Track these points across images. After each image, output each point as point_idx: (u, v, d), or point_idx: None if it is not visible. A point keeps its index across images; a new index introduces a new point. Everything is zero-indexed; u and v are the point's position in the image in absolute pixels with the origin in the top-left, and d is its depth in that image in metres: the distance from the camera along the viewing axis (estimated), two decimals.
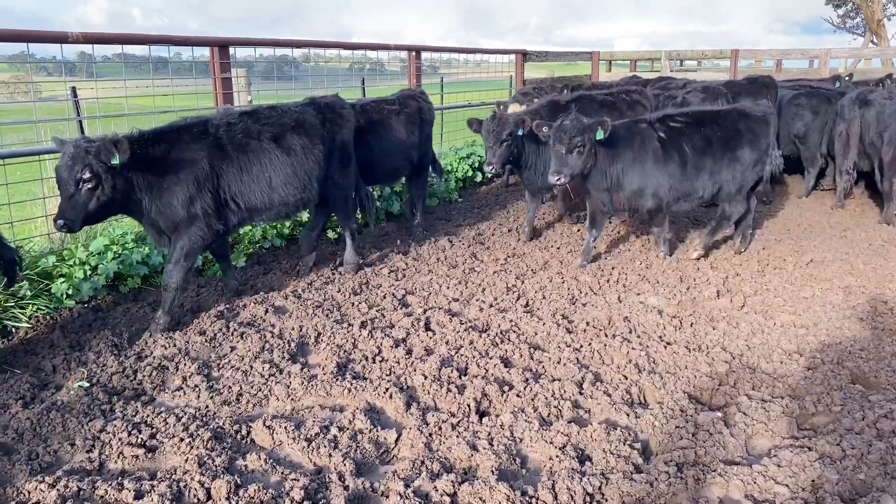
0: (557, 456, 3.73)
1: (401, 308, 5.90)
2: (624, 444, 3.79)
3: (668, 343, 5.21)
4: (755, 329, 5.46)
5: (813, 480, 3.48)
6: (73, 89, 7.00)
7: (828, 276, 6.63)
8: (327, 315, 5.70)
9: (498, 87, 14.09)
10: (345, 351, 5.05)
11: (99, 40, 6.36)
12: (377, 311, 5.82)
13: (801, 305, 5.92)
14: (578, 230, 8.44)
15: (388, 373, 4.70)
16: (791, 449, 3.77)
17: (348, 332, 5.36)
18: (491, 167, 7.32)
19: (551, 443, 3.84)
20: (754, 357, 4.97)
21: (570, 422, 4.05)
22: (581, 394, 4.40)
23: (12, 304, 5.46)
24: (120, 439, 3.89)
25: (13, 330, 5.33)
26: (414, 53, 11.10)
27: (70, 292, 5.73)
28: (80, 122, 7.02)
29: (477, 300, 6.07)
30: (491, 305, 5.96)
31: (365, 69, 13.95)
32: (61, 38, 6.01)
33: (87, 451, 3.82)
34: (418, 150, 8.08)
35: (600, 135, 6.19)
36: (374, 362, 4.88)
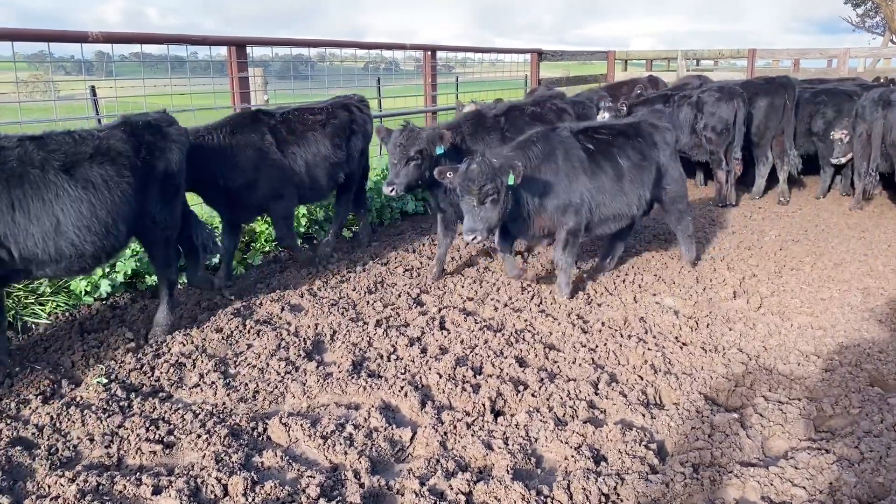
0: (573, 456, 3.72)
1: (415, 307, 5.92)
2: (639, 445, 3.79)
3: (684, 344, 5.19)
4: (772, 330, 5.43)
5: (830, 483, 3.46)
6: (93, 88, 7.08)
7: (846, 278, 6.58)
8: (343, 313, 5.73)
9: (513, 87, 14.08)
10: (360, 349, 5.07)
11: (118, 40, 6.43)
12: (392, 309, 5.84)
13: (819, 307, 5.88)
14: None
15: (403, 371, 4.72)
16: (808, 451, 3.75)
17: (363, 330, 5.38)
18: (392, 188, 5.99)
19: (566, 443, 3.83)
20: (771, 358, 4.94)
21: (585, 422, 4.04)
22: (596, 394, 4.40)
23: (32, 300, 5.53)
24: (138, 435, 3.92)
25: (33, 326, 5.39)
26: (429, 53, 11.13)
27: (89, 290, 5.79)
28: (99, 120, 7.09)
29: (492, 299, 6.07)
30: (506, 305, 5.96)
31: (380, 69, 13.99)
32: (81, 38, 6.07)
33: (106, 447, 3.85)
34: (347, 166, 7.06)
35: (512, 180, 5.18)
36: (389, 361, 4.90)
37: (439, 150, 5.93)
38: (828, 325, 5.52)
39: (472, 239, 5.15)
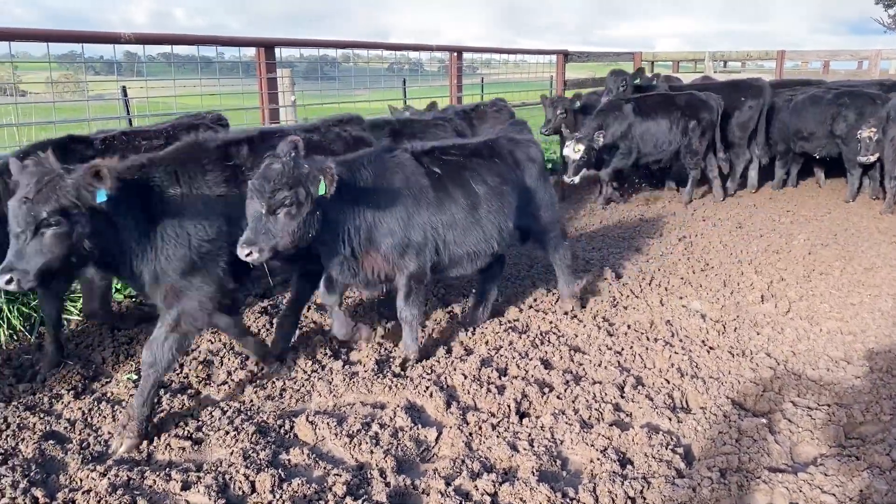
0: (598, 459, 3.71)
1: (440, 307, 5.93)
2: (666, 449, 3.76)
3: (711, 348, 5.15)
4: (800, 335, 5.36)
5: (861, 490, 3.41)
6: (124, 88, 7.19)
7: (876, 283, 6.48)
8: (367, 314, 5.75)
9: (538, 88, 14.06)
10: (385, 349, 5.10)
11: (150, 41, 6.51)
12: None
13: (849, 312, 5.80)
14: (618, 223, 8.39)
15: (428, 371, 4.73)
16: (838, 457, 3.70)
17: (386, 330, 5.40)
18: (8, 278, 3.42)
19: (592, 445, 3.82)
20: (800, 363, 4.88)
21: (611, 425, 4.03)
22: (622, 397, 4.38)
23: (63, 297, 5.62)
24: (167, 431, 3.98)
25: (65, 323, 5.48)
26: (455, 54, 11.14)
27: (119, 287, 5.87)
28: (130, 120, 7.20)
29: (516, 301, 6.06)
30: (530, 306, 5.95)
31: (404, 69, 14.04)
32: (114, 39, 6.16)
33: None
34: None
35: (323, 189, 4.03)
36: (414, 361, 4.91)
37: (102, 196, 3.56)
38: (858, 330, 5.44)
39: (247, 255, 3.86)
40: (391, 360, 4.93)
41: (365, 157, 4.65)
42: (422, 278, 4.79)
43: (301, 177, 3.96)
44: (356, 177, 4.42)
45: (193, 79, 7.45)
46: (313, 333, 5.32)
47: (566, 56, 14.31)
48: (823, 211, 9.48)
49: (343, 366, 4.80)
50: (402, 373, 4.72)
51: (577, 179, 8.94)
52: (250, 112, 7.84)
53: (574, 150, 8.78)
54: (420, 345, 5.00)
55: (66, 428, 4.04)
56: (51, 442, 3.85)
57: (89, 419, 4.14)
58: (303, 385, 4.58)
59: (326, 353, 5.02)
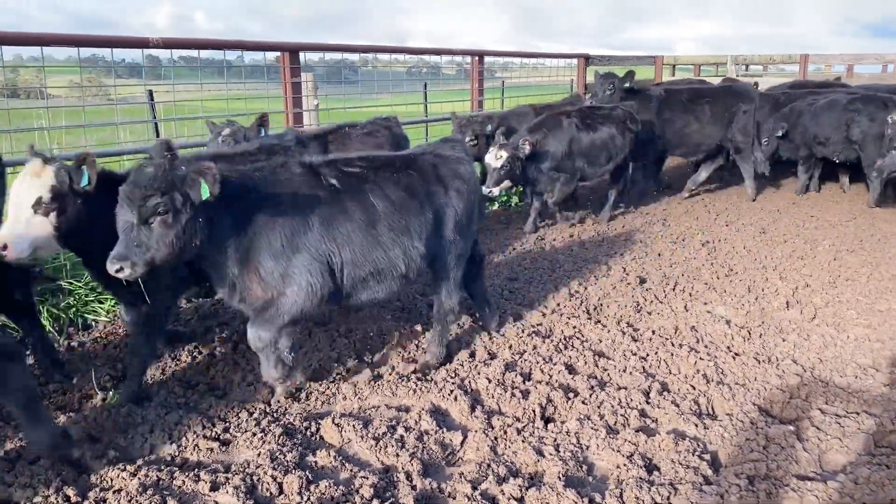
0: (625, 464, 3.70)
1: (463, 311, 5.93)
2: (693, 455, 3.75)
3: (736, 354, 5.11)
4: (827, 342, 5.32)
5: (892, 500, 3.37)
6: (150, 92, 7.27)
7: None
8: (392, 317, 5.78)
9: (559, 92, 14.05)
10: (409, 352, 5.11)
11: (177, 45, 6.60)
12: None
13: (877, 318, 5.74)
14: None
15: (452, 375, 4.74)
16: (868, 466, 3.66)
17: (412, 333, 5.42)
18: None
19: (618, 451, 3.81)
20: (827, 370, 4.84)
21: (637, 431, 4.01)
22: (648, 403, 4.36)
23: (92, 298, 5.70)
24: (195, 432, 4.01)
25: (93, 323, 5.56)
26: (477, 58, 11.17)
27: None
28: (156, 124, 7.29)
29: (539, 305, 6.06)
30: (553, 311, 5.94)
31: (422, 73, 14.08)
32: (143, 44, 6.25)
33: (164, 443, 3.95)
34: None
35: (206, 191, 3.60)
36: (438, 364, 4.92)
37: None
38: (886, 337, 5.38)
39: (118, 271, 3.49)
40: (415, 363, 4.94)
41: (255, 169, 4.17)
42: (306, 308, 4.15)
43: (176, 180, 3.57)
44: (243, 189, 3.92)
45: (219, 83, 7.52)
46: (338, 335, 5.35)
47: (587, 60, 14.30)
48: (848, 216, 9.39)
49: (368, 369, 4.82)
50: (424, 377, 4.73)
51: (496, 191, 7.97)
52: (275, 116, 7.90)
53: (496, 157, 7.78)
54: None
55: (96, 428, 4.09)
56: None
57: (118, 420, 4.18)
58: (328, 387, 4.60)
59: (351, 356, 5.04)
